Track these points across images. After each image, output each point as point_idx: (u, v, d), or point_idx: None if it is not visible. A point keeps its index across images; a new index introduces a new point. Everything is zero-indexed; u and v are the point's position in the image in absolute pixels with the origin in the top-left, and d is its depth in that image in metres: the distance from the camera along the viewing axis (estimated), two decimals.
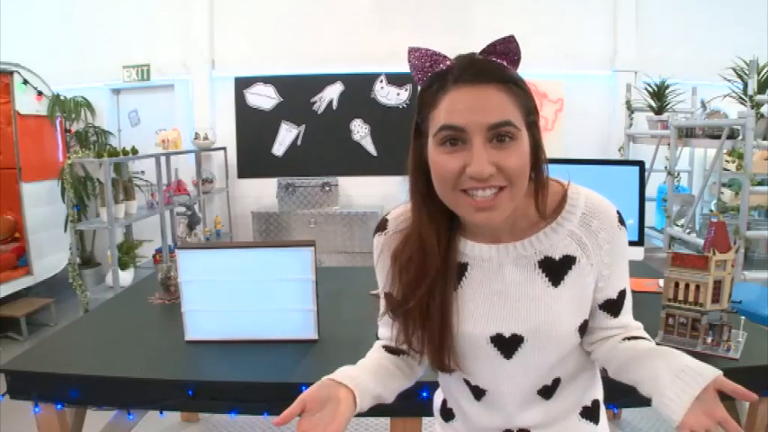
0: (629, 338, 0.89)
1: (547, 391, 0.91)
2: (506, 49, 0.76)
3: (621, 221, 0.86)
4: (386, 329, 0.97)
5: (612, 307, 0.89)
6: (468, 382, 0.93)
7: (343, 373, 0.88)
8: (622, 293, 0.89)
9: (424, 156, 0.81)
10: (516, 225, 0.85)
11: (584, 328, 0.88)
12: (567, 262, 0.84)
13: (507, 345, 0.86)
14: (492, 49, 0.77)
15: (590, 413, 0.96)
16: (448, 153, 0.75)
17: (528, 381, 0.89)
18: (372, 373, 0.91)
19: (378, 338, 1.01)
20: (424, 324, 0.86)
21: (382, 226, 0.94)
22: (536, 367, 0.88)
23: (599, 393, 0.99)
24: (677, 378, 0.73)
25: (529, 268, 0.85)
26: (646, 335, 0.91)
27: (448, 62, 0.78)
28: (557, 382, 0.91)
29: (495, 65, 0.76)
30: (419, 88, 0.81)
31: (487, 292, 0.86)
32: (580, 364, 0.93)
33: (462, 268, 0.87)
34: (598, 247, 0.84)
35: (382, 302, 0.95)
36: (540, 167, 0.81)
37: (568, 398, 0.93)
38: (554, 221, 0.84)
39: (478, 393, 0.93)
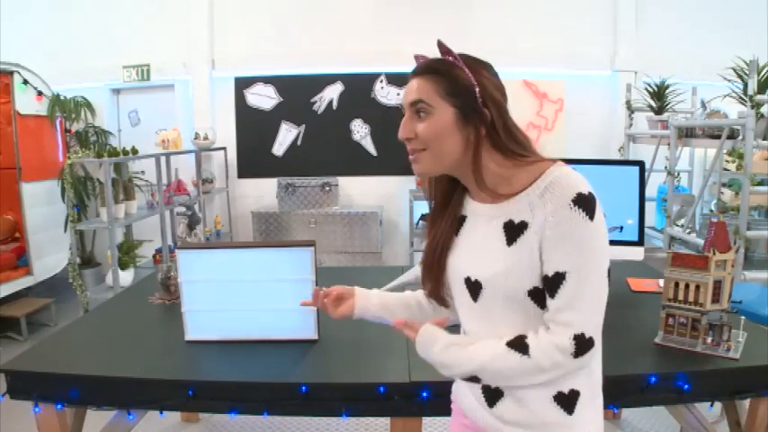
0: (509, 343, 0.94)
1: (515, 348, 0.93)
2: (441, 50, 0.98)
3: (579, 203, 0.88)
4: None
5: (547, 284, 0.91)
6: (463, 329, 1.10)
7: (365, 291, 1.25)
8: (559, 276, 0.89)
9: None
10: (498, 190, 0.97)
11: (537, 296, 0.93)
12: (522, 226, 0.94)
13: (473, 288, 1.00)
14: (440, 49, 0.98)
15: (564, 401, 0.96)
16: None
17: (494, 327, 0.98)
18: (384, 304, 1.23)
19: None
20: (431, 258, 1.08)
21: None
22: (497, 316, 0.98)
23: (581, 386, 0.97)
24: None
25: (496, 227, 0.97)
26: (534, 345, 0.92)
27: None
28: (522, 340, 0.93)
29: (426, 62, 0.99)
30: None
31: (469, 241, 1.04)
32: None
33: (462, 219, 1.07)
34: (544, 217, 0.90)
35: None
36: (476, 137, 0.95)
37: None
38: (524, 191, 0.94)
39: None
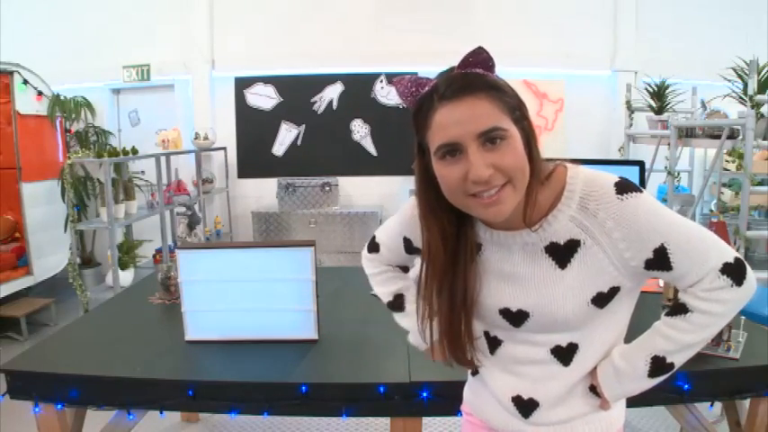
0: (670, 313, 0.91)
1: (561, 353, 0.93)
2: (479, 60, 0.81)
3: (622, 190, 0.84)
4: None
5: (657, 265, 0.85)
6: (486, 334, 1.00)
7: None
8: (660, 251, 0.84)
9: (430, 170, 0.86)
10: (527, 214, 0.88)
11: (601, 300, 0.88)
12: (573, 245, 0.87)
13: (515, 317, 0.93)
14: (467, 61, 0.81)
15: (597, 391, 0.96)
16: (449, 165, 0.81)
17: (540, 338, 0.94)
18: None
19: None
20: (458, 316, 0.94)
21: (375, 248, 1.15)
22: (545, 334, 0.93)
23: None
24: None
25: (537, 253, 0.90)
26: (689, 300, 0.88)
27: (431, 83, 0.83)
28: (573, 347, 0.93)
29: (473, 75, 0.80)
30: (411, 112, 0.87)
31: (498, 273, 0.93)
32: (603, 339, 0.95)
33: (477, 247, 0.95)
34: (600, 226, 0.84)
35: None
36: (534, 159, 0.84)
37: (585, 370, 0.95)
38: (555, 209, 0.87)
39: (494, 344, 1.00)
